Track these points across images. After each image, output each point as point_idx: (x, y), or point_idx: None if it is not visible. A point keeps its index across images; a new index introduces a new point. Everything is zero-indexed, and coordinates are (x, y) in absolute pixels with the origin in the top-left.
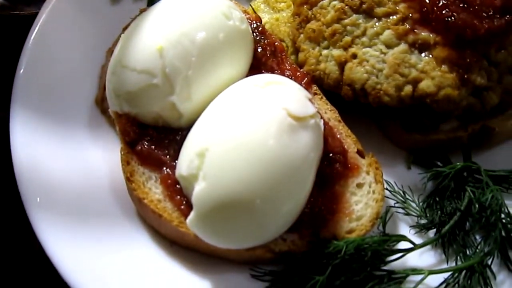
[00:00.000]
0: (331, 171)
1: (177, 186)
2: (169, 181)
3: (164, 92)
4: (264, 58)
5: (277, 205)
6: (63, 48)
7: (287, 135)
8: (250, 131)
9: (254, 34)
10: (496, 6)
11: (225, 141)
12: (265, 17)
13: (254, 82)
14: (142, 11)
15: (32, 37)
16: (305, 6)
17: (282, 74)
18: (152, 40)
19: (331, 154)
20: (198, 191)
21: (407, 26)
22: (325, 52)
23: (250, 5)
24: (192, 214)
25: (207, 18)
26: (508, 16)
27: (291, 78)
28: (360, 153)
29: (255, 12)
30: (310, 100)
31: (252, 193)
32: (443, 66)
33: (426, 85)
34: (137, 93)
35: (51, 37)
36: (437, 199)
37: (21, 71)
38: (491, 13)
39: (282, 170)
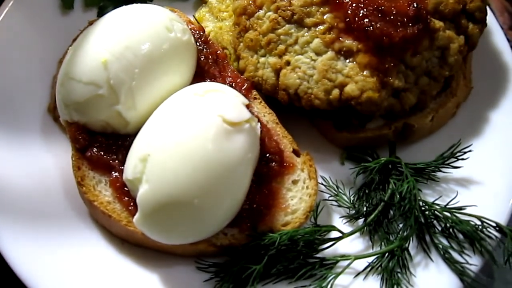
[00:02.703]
0: (268, 170)
1: (125, 188)
2: (118, 184)
3: (110, 102)
4: (207, 66)
5: (216, 203)
6: (15, 58)
7: (223, 140)
8: (188, 137)
9: (197, 44)
10: (409, 15)
11: (165, 147)
12: (210, 26)
13: (194, 91)
14: (90, 22)
15: None
16: (243, 16)
17: (224, 81)
18: (97, 53)
19: (268, 154)
20: (142, 193)
21: (333, 35)
22: (262, 59)
23: (194, 16)
24: (137, 214)
25: (150, 32)
26: (420, 24)
27: (232, 85)
28: (296, 152)
29: (198, 23)
30: (247, 106)
31: (190, 194)
32: (365, 71)
33: (350, 88)
34: (85, 103)
35: (3, 47)
36: (366, 191)
37: None
38: (405, 22)
39: (219, 171)
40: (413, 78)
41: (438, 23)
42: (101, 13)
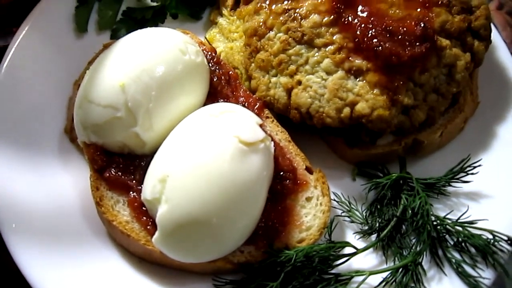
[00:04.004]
0: (282, 188)
1: (143, 208)
2: (136, 204)
3: (128, 124)
4: (220, 86)
5: (233, 222)
6: (32, 81)
7: (239, 160)
8: (206, 158)
9: (210, 65)
10: (417, 35)
11: (183, 167)
12: (221, 46)
13: (210, 112)
14: (105, 45)
15: (3, 70)
16: (254, 37)
17: (237, 101)
18: (115, 77)
19: (281, 172)
20: (161, 213)
21: (343, 55)
22: (273, 79)
23: (206, 37)
24: (157, 233)
25: (165, 55)
26: (427, 43)
27: (244, 104)
28: (309, 170)
29: (210, 44)
30: (260, 125)
31: (208, 213)
32: (375, 89)
33: (361, 107)
34: (103, 125)
35: (20, 70)
36: (378, 206)
37: None
38: (413, 41)
39: (235, 191)
40: (422, 95)
41: (444, 42)
42: (114, 36)
